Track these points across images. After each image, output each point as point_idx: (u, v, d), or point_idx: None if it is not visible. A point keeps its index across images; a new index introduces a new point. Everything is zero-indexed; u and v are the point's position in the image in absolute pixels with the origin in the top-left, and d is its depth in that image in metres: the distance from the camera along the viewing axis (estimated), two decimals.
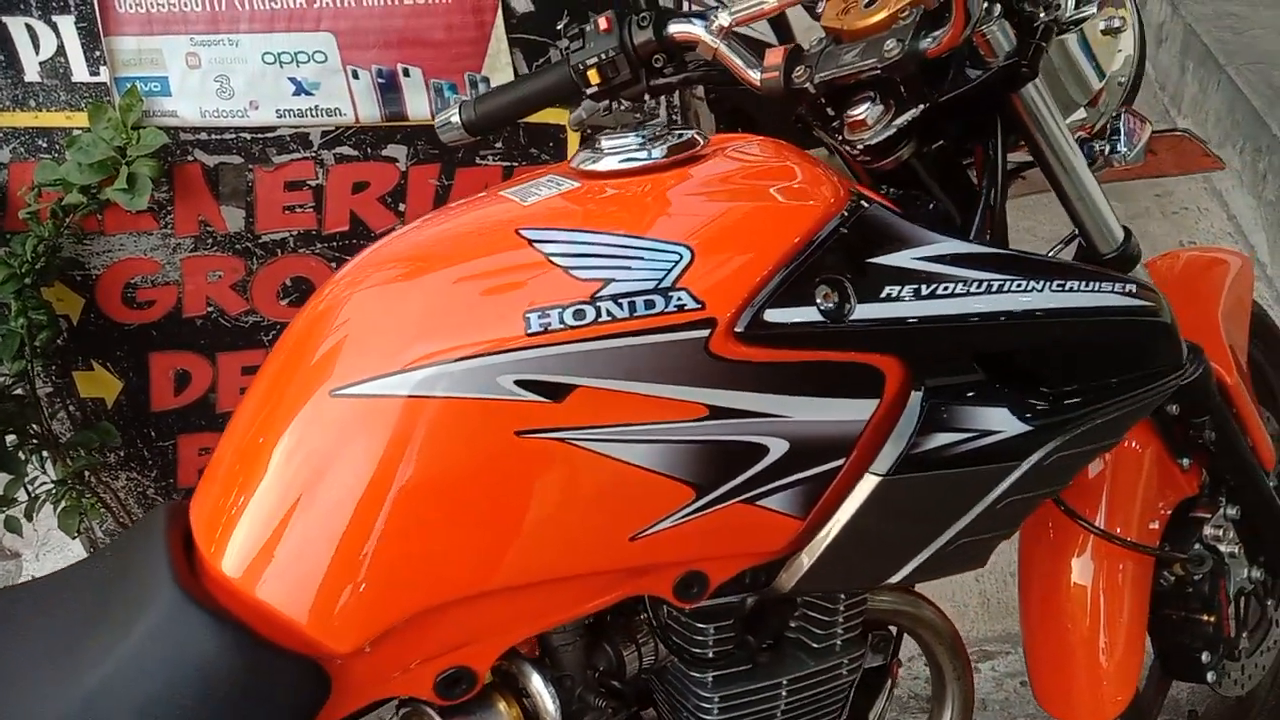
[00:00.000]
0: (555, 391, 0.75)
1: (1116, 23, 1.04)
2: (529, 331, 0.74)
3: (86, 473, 1.86)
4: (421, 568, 0.75)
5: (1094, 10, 1.04)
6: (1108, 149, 1.06)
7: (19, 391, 1.78)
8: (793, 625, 0.98)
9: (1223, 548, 1.26)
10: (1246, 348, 1.35)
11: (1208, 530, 1.25)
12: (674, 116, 1.49)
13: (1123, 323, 0.92)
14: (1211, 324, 1.27)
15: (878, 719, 1.14)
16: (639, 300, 0.75)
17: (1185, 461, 1.24)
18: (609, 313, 0.75)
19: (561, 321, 0.74)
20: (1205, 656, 1.27)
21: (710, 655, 0.92)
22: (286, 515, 0.76)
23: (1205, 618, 1.26)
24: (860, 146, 0.95)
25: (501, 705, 0.85)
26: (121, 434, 1.86)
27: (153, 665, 0.74)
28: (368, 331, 0.79)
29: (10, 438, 1.76)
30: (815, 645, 0.97)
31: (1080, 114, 1.09)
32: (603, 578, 0.82)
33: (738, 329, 0.76)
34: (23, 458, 1.78)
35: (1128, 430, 0.98)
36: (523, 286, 0.76)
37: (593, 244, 0.78)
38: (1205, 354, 1.17)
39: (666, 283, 0.76)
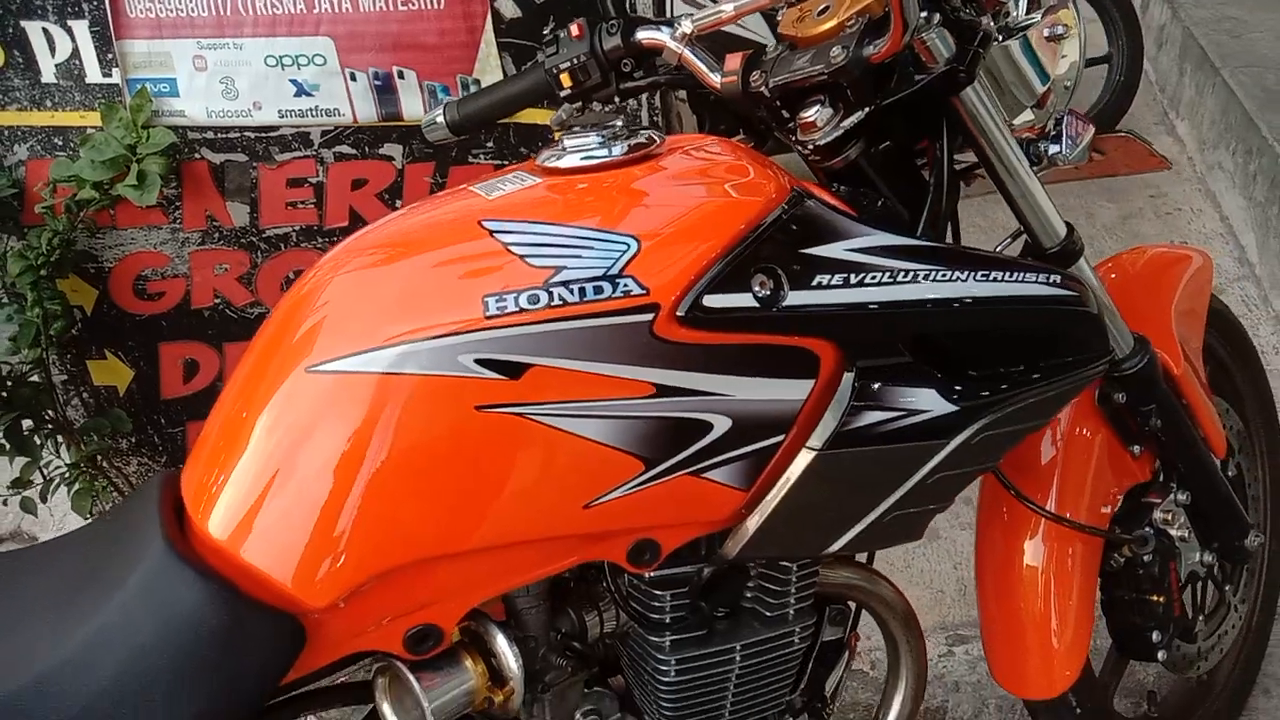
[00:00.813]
0: (512, 370, 0.81)
1: (1060, 30, 1.10)
2: (487, 314, 0.81)
3: (99, 457, 1.93)
4: (390, 530, 0.82)
5: (1038, 18, 1.10)
6: (1051, 149, 1.12)
7: (35, 378, 1.85)
8: (748, 595, 1.04)
9: (1173, 531, 1.31)
10: (1200, 342, 1.40)
11: (1157, 514, 1.30)
12: (655, 118, 1.55)
13: (1046, 311, 0.98)
14: (1163, 317, 1.32)
15: (835, 689, 1.20)
16: (588, 286, 0.82)
17: (1136, 449, 1.29)
18: (561, 298, 0.81)
19: (517, 305, 0.81)
20: (1156, 636, 1.33)
21: (667, 620, 0.98)
22: (267, 483, 0.83)
23: (1155, 598, 1.31)
24: (811, 146, 1.01)
25: (468, 662, 0.91)
26: (132, 420, 1.93)
27: (142, 618, 0.80)
28: (344, 313, 0.86)
29: (26, 422, 1.84)
30: (768, 614, 1.03)
31: (1028, 115, 1.14)
32: (560, 543, 0.88)
33: (679, 313, 0.83)
34: (38, 442, 1.85)
35: (1056, 412, 1.04)
36: (482, 274, 0.83)
37: (548, 235, 0.85)
38: (1152, 345, 1.23)
39: (614, 270, 0.82)
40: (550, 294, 0.81)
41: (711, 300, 0.83)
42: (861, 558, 1.21)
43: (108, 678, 0.78)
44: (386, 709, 0.91)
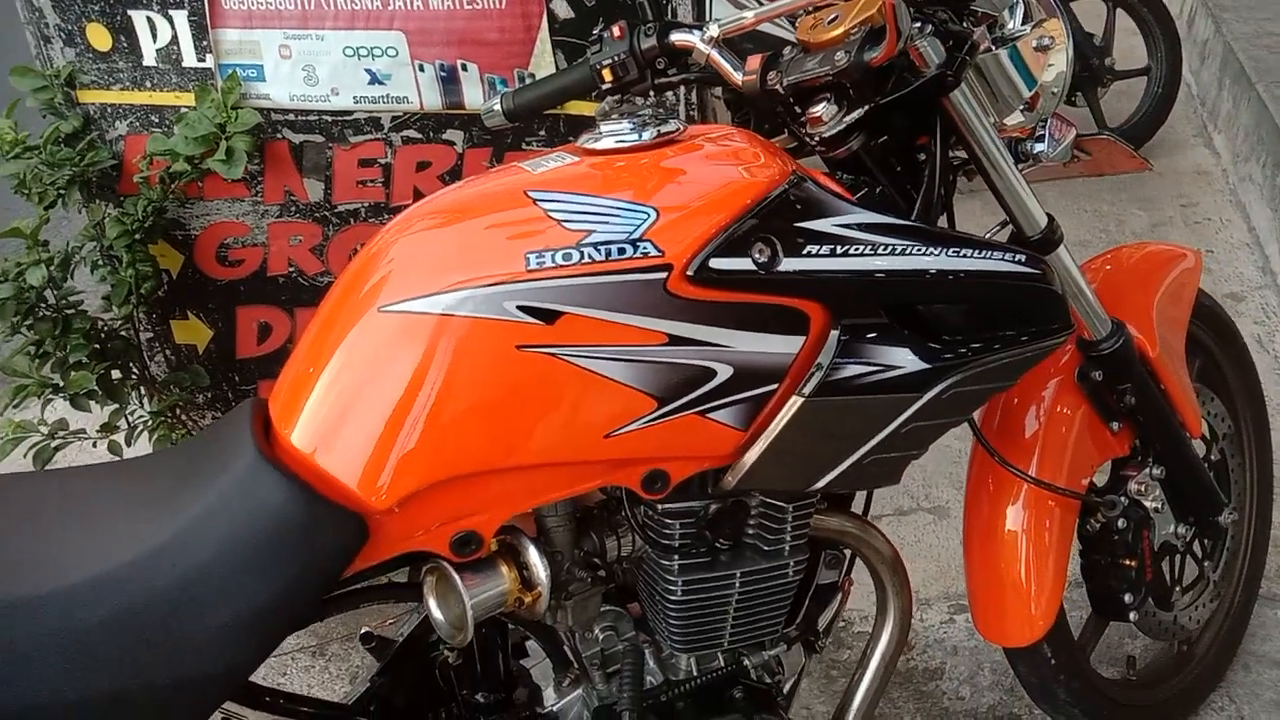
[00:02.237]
0: (548, 316, 0.96)
1: (1047, 41, 1.23)
2: (528, 268, 0.96)
3: (178, 408, 2.11)
4: (442, 447, 0.97)
5: (1027, 30, 1.24)
6: (1036, 148, 1.25)
7: (125, 334, 2.05)
8: (749, 530, 1.18)
9: (1146, 502, 1.44)
10: (1184, 331, 1.52)
11: (1132, 485, 1.43)
12: (691, 112, 1.70)
13: (1010, 286, 1.11)
14: (1145, 305, 1.44)
15: (828, 626, 1.34)
16: (613, 248, 0.97)
17: (1115, 425, 1.42)
18: (590, 256, 0.96)
19: (553, 261, 0.96)
20: (1128, 598, 1.45)
21: (676, 545, 1.13)
22: (343, 403, 0.99)
23: (1128, 562, 1.44)
24: (817, 138, 1.16)
25: (504, 568, 1.07)
26: (209, 376, 2.11)
27: (234, 511, 0.96)
28: (410, 265, 1.02)
29: (116, 373, 2.03)
30: (766, 548, 1.17)
31: (1019, 117, 1.28)
32: (584, 467, 1.03)
33: (689, 273, 0.97)
34: (126, 391, 2.05)
35: (1020, 375, 1.17)
36: (526, 235, 0.98)
37: (582, 204, 1.00)
38: (1128, 328, 1.36)
39: (636, 235, 0.98)
40: (581, 253, 0.97)
41: (717, 263, 0.98)
42: (857, 509, 1.35)
43: (203, 560, 0.94)
44: (432, 604, 1.07)
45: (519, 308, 0.96)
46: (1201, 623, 1.65)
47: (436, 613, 1.07)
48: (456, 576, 1.04)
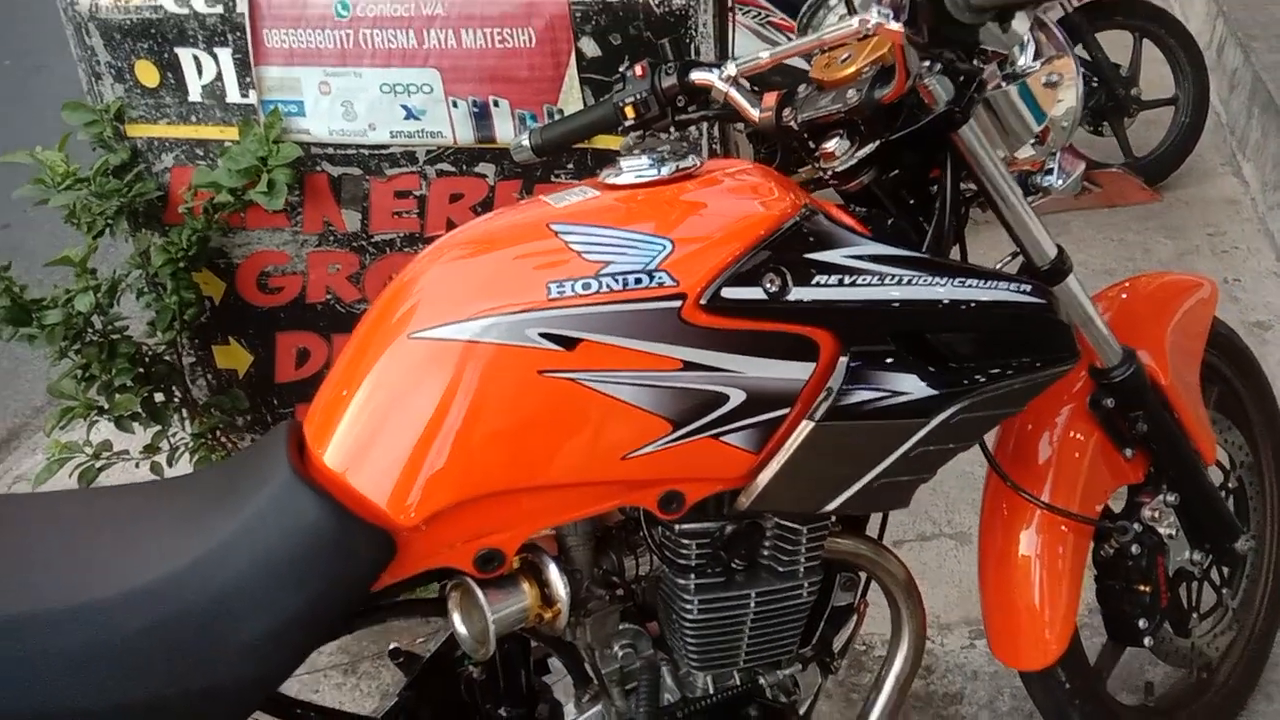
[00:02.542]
0: (568, 343, 1.01)
1: (1055, 78, 1.27)
2: (549, 297, 1.01)
3: (218, 430, 2.18)
4: (467, 467, 1.02)
5: (1037, 67, 1.28)
6: (1045, 181, 1.29)
7: (168, 358, 2.12)
8: (764, 552, 1.22)
9: (1160, 528, 1.46)
10: (1199, 360, 1.54)
11: (1146, 511, 1.46)
12: (714, 147, 1.75)
13: (1014, 315, 1.14)
14: (1158, 334, 1.47)
15: (843, 647, 1.37)
16: (630, 277, 1.01)
17: (1128, 452, 1.44)
18: (608, 285, 1.01)
19: (573, 290, 1.01)
20: (1142, 623, 1.47)
21: (693, 564, 1.17)
22: (373, 424, 1.04)
23: (1143, 588, 1.45)
24: (830, 173, 1.21)
25: (525, 585, 1.11)
26: (249, 400, 2.18)
27: (268, 526, 1.01)
28: (438, 293, 1.07)
29: (159, 396, 2.11)
30: (781, 569, 1.21)
31: (1029, 150, 1.31)
32: (603, 487, 1.07)
33: (702, 302, 1.02)
34: (168, 413, 2.12)
35: (1027, 401, 1.20)
36: (548, 265, 1.03)
37: (602, 236, 1.05)
38: (1138, 357, 1.38)
39: (652, 266, 1.02)
40: (600, 282, 1.01)
41: (729, 292, 1.02)
42: (873, 532, 1.38)
43: (238, 573, 0.98)
44: (457, 618, 1.12)
45: (540, 334, 1.01)
46: (1221, 650, 1.66)
47: (460, 627, 1.12)
48: (480, 592, 1.09)
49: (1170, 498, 1.46)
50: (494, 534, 1.06)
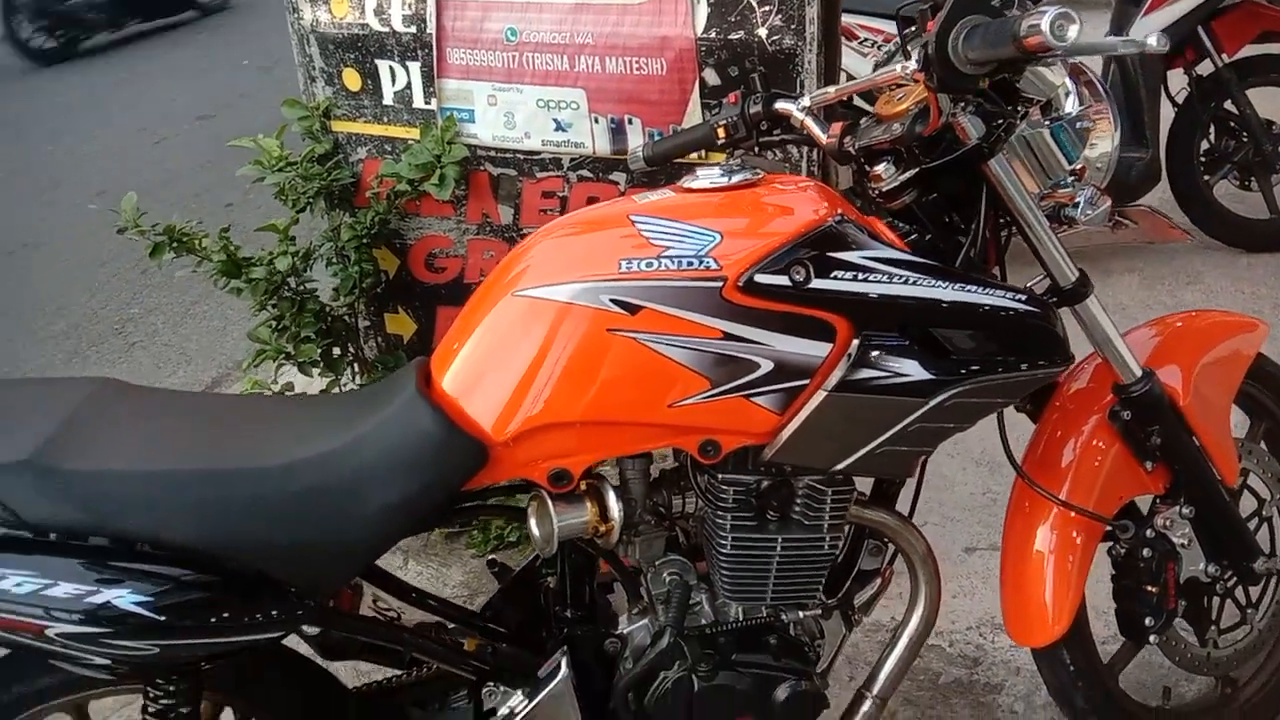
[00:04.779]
0: (632, 309, 1.27)
1: (1087, 124, 1.46)
2: (620, 271, 1.28)
3: None
4: (548, 399, 1.29)
5: (1073, 113, 1.47)
6: (1072, 213, 1.47)
7: (347, 319, 2.50)
8: (796, 507, 1.44)
9: (1173, 537, 1.61)
10: (1232, 390, 1.67)
11: (1159, 519, 1.60)
12: (812, 169, 1.99)
13: (1010, 320, 1.33)
14: (1187, 361, 1.61)
15: (864, 604, 1.58)
16: (684, 260, 1.27)
17: (1149, 464, 1.59)
18: (666, 265, 1.27)
19: (638, 267, 1.27)
20: (1148, 621, 1.61)
21: (730, 505, 1.40)
22: (481, 360, 1.33)
23: (1150, 589, 1.60)
24: (877, 192, 1.44)
25: (588, 503, 1.38)
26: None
27: (395, 429, 1.30)
28: (541, 262, 1.35)
29: (336, 350, 2.48)
30: (807, 523, 1.42)
31: (1065, 187, 1.50)
32: (652, 429, 1.33)
33: (739, 284, 1.26)
34: (342, 365, 2.50)
35: (1018, 396, 1.39)
36: (623, 247, 1.31)
37: (668, 226, 1.31)
38: (1157, 377, 1.54)
39: (703, 253, 1.28)
40: (660, 262, 1.28)
41: (761, 278, 1.27)
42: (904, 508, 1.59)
43: (368, 460, 1.28)
44: (532, 521, 1.40)
45: (610, 300, 1.28)
46: (1242, 665, 1.77)
47: (534, 529, 1.40)
48: (551, 502, 1.37)
49: (1185, 510, 1.60)
50: (565, 457, 1.34)
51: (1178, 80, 3.54)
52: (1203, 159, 3.52)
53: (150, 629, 1.18)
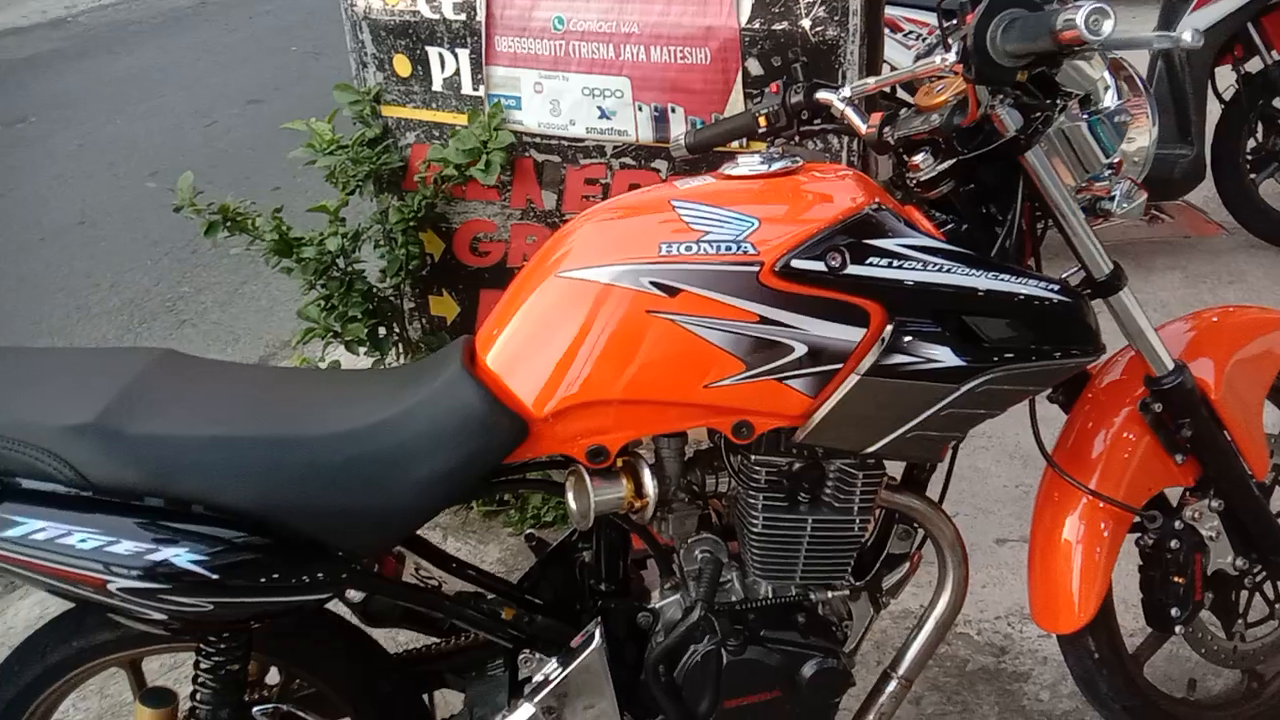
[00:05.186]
0: (671, 291, 1.31)
1: (1126, 118, 1.48)
2: (660, 254, 1.32)
3: None
4: (589, 377, 1.33)
5: (1111, 107, 1.49)
6: (1107, 205, 1.49)
7: (393, 300, 2.56)
8: (826, 490, 1.48)
9: (1201, 529, 1.62)
10: (1267, 386, 1.68)
11: (1187, 511, 1.62)
12: (852, 160, 2.01)
13: (1042, 309, 1.35)
14: (1220, 356, 1.62)
15: (892, 587, 1.62)
16: (723, 245, 1.31)
17: (1179, 457, 1.61)
18: (705, 250, 1.31)
19: (678, 251, 1.31)
20: (1174, 611, 1.63)
21: (762, 485, 1.44)
22: (525, 338, 1.38)
23: (1177, 579, 1.62)
24: (915, 182, 1.46)
25: (624, 479, 1.42)
26: None
27: (440, 402, 1.36)
28: (584, 244, 1.39)
29: (381, 330, 2.54)
30: (837, 505, 1.46)
31: (1101, 180, 1.52)
32: (688, 408, 1.36)
33: (776, 269, 1.30)
34: (388, 345, 2.56)
35: (1048, 384, 1.41)
36: (663, 231, 1.34)
37: (708, 212, 1.35)
38: (1189, 370, 1.56)
39: (740, 238, 1.31)
40: (699, 247, 1.32)
41: (798, 264, 1.30)
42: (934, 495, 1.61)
43: (415, 431, 1.33)
44: (570, 496, 1.44)
45: (651, 282, 1.32)
46: (1267, 659, 1.78)
47: (571, 503, 1.44)
48: (588, 477, 1.41)
49: (1215, 503, 1.62)
50: (603, 434, 1.38)
51: (1226, 77, 3.51)
52: (1249, 157, 3.49)
53: (205, 586, 1.24)
